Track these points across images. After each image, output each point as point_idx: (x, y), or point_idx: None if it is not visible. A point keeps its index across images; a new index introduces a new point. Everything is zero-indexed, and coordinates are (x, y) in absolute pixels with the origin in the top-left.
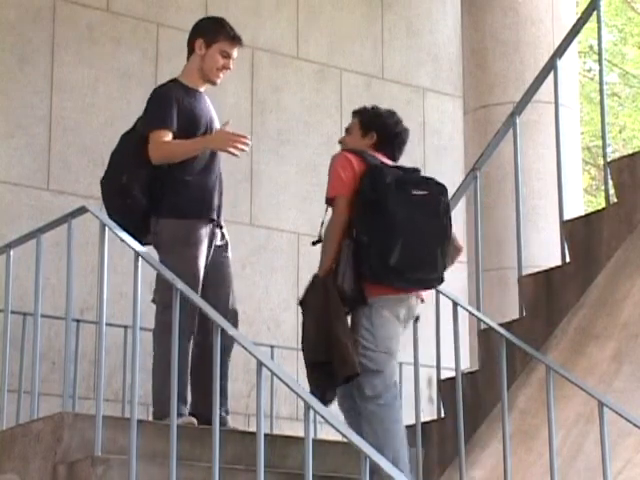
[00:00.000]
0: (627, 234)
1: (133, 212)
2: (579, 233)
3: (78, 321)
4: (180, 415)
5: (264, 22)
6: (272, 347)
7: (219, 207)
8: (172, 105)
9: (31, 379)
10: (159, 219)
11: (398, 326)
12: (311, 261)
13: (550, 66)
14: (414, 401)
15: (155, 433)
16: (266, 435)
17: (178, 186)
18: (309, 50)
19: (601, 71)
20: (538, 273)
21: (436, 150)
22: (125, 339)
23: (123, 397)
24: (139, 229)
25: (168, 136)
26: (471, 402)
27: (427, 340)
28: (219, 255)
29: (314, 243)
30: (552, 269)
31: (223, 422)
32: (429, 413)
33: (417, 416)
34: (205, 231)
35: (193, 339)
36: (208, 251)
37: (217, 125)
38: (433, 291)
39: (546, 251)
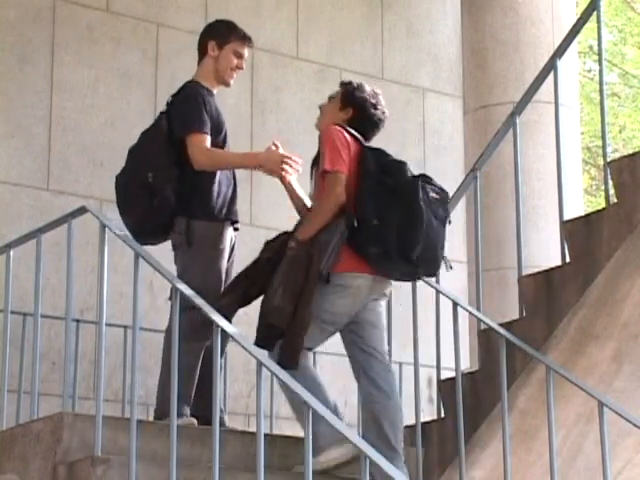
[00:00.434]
0: (627, 234)
1: (161, 211)
2: (579, 233)
3: (78, 321)
4: (181, 415)
5: (264, 22)
6: None
7: (236, 212)
8: (204, 107)
9: (31, 379)
10: (190, 220)
11: (354, 301)
12: None
13: (550, 66)
14: (414, 401)
15: (155, 433)
16: (266, 435)
17: (209, 187)
18: (309, 50)
19: (601, 71)
20: (538, 273)
21: (436, 150)
22: (125, 339)
23: (123, 397)
24: (163, 229)
25: (208, 140)
26: (471, 402)
27: (427, 340)
28: (231, 262)
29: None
30: (552, 269)
31: (221, 422)
32: (429, 413)
33: (417, 416)
34: (230, 235)
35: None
36: (229, 256)
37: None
38: (433, 291)
39: (546, 251)
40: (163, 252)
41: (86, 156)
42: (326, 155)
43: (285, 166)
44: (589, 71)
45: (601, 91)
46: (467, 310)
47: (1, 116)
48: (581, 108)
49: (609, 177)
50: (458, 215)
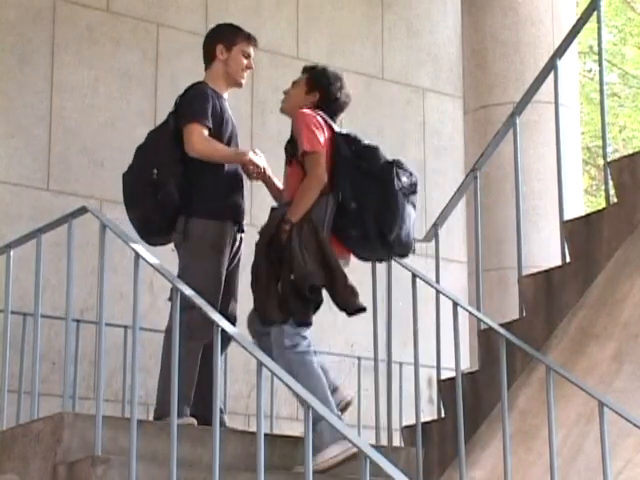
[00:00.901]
0: (627, 234)
1: (165, 207)
2: (579, 233)
3: (78, 321)
4: (181, 415)
5: (264, 22)
6: None
7: (244, 211)
8: (209, 103)
9: (31, 379)
10: (190, 218)
11: None
12: None
13: (550, 66)
14: (414, 401)
15: (155, 433)
16: (266, 435)
17: (211, 186)
18: (309, 50)
19: (601, 71)
20: (538, 273)
21: (436, 150)
22: (125, 339)
23: (123, 397)
24: (168, 227)
25: (206, 131)
26: (471, 402)
27: (427, 340)
28: (235, 262)
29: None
30: (552, 269)
31: (221, 422)
32: (429, 413)
33: (417, 416)
34: (232, 235)
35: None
36: (230, 256)
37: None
38: (433, 291)
39: (546, 251)
40: (163, 252)
41: (86, 156)
42: (303, 137)
43: (251, 169)
44: (589, 71)
45: (601, 91)
46: (467, 310)
47: (1, 116)
48: (581, 108)
49: (609, 177)
50: (458, 215)
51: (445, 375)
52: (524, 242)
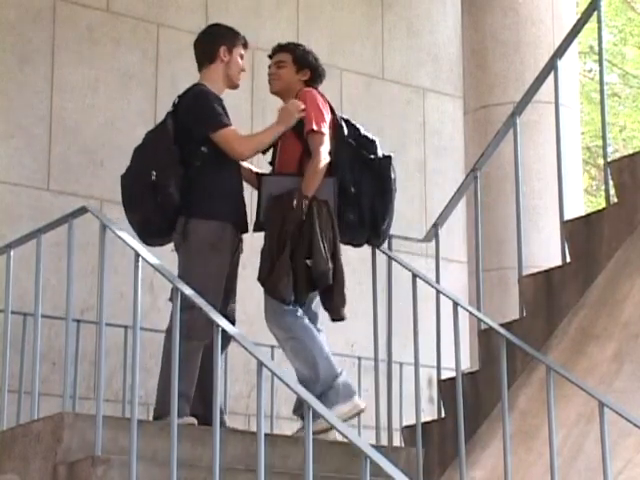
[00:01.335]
0: (627, 234)
1: (165, 209)
2: (579, 233)
3: (78, 321)
4: (181, 415)
5: (264, 22)
6: (272, 347)
7: (245, 211)
8: (221, 105)
9: (31, 379)
10: (190, 219)
11: None
12: None
13: (550, 66)
14: (414, 401)
15: (156, 433)
16: (266, 435)
17: (211, 187)
18: None
19: (601, 71)
20: (538, 273)
21: (436, 150)
22: (125, 339)
23: (123, 397)
24: (168, 228)
25: (236, 130)
26: (471, 402)
27: (427, 340)
28: (235, 263)
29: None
30: (552, 269)
31: (221, 422)
32: (429, 413)
33: (417, 416)
34: (233, 236)
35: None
36: (231, 258)
37: None
38: (434, 291)
39: (546, 251)
40: (163, 252)
41: (86, 156)
42: (312, 115)
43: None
44: (589, 71)
45: (601, 91)
46: (467, 310)
47: (1, 116)
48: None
49: (609, 177)
50: (458, 215)
51: (445, 375)
52: (524, 242)
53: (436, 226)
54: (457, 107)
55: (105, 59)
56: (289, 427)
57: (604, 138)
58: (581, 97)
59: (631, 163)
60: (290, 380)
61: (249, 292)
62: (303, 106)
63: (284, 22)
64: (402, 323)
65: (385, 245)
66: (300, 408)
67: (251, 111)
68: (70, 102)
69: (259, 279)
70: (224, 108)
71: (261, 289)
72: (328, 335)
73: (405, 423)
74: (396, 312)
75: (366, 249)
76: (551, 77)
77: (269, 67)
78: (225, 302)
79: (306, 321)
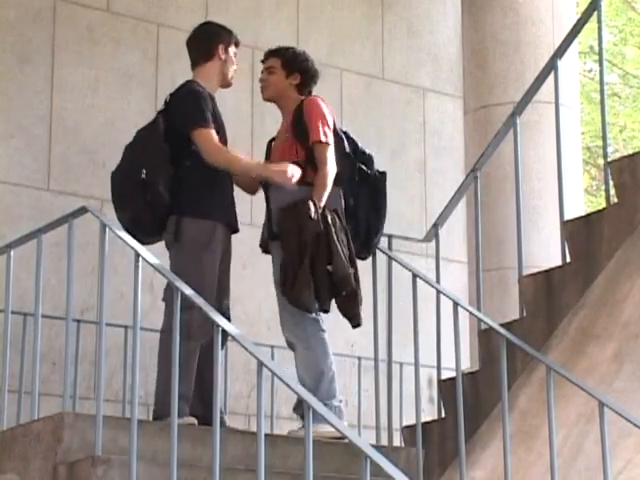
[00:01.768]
0: (627, 234)
1: (155, 208)
2: (579, 233)
3: (78, 321)
4: (181, 415)
5: (264, 22)
6: (272, 347)
7: (235, 210)
8: (208, 105)
9: (31, 379)
10: (181, 218)
11: None
12: None
13: (550, 66)
14: (414, 401)
15: (156, 433)
16: (267, 435)
17: (202, 186)
18: (309, 50)
19: (601, 71)
20: (538, 273)
21: (436, 150)
22: (125, 339)
23: (123, 397)
24: (158, 227)
25: (215, 135)
26: (471, 402)
27: (427, 340)
28: (227, 261)
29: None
30: (552, 269)
31: (221, 422)
32: (429, 413)
33: (417, 416)
34: (223, 235)
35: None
36: (223, 257)
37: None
38: (434, 291)
39: (546, 251)
40: (163, 252)
41: (86, 156)
42: (318, 126)
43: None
44: (589, 71)
45: (601, 91)
46: (467, 310)
47: (1, 116)
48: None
49: (609, 177)
50: (458, 215)
51: (445, 375)
52: (524, 242)
53: (436, 226)
54: (457, 107)
55: (105, 59)
56: (289, 427)
57: (604, 138)
58: (581, 97)
59: (631, 163)
60: (290, 380)
61: (249, 292)
62: (294, 180)
63: (284, 22)
64: (402, 323)
65: (385, 245)
66: (300, 407)
67: (251, 111)
68: (70, 102)
69: (282, 292)
70: (215, 107)
71: (261, 290)
72: (328, 335)
73: (405, 423)
74: (396, 312)
75: None
76: (551, 77)
77: (261, 72)
78: (219, 300)
79: (325, 335)
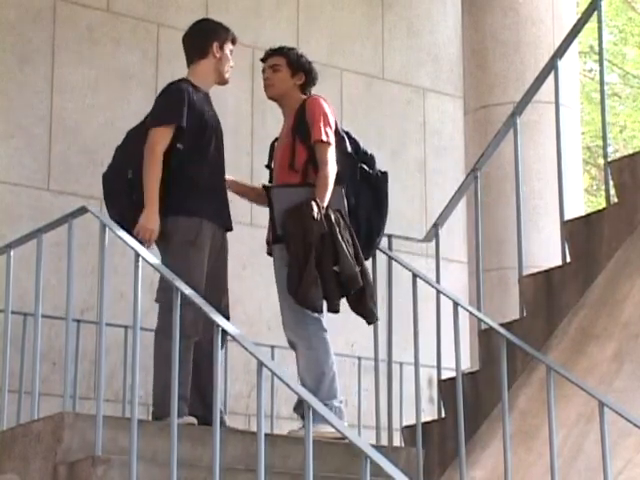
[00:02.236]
0: (627, 234)
1: (139, 208)
2: (579, 233)
3: (78, 321)
4: (180, 415)
5: (264, 22)
6: (272, 347)
7: (227, 208)
8: (184, 102)
9: (31, 379)
10: (167, 216)
11: None
12: None
13: (550, 66)
14: (414, 401)
15: (156, 433)
16: (267, 435)
17: (188, 184)
18: (309, 50)
19: (601, 71)
20: (538, 273)
21: (436, 150)
22: (125, 339)
23: (123, 397)
24: None
25: (170, 133)
26: (471, 402)
27: (427, 340)
28: (222, 259)
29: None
30: (552, 269)
31: (221, 422)
32: (429, 413)
33: (417, 416)
34: (212, 233)
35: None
36: (213, 254)
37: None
38: (434, 291)
39: (546, 251)
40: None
41: (86, 156)
42: (320, 125)
43: (142, 235)
44: (590, 71)
45: (602, 91)
46: (468, 310)
47: (1, 116)
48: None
49: (610, 177)
50: (458, 215)
51: (445, 375)
52: (524, 242)
53: (436, 226)
54: (457, 107)
55: (105, 59)
56: (289, 427)
57: (604, 138)
58: (581, 97)
59: (631, 163)
60: (290, 380)
61: (249, 292)
62: (145, 237)
63: (284, 22)
64: (402, 323)
65: (385, 245)
66: (300, 407)
67: (251, 111)
68: (70, 102)
69: (289, 291)
70: (205, 105)
71: (261, 290)
72: (328, 335)
73: (405, 423)
74: (396, 312)
75: None
76: (551, 77)
77: (263, 71)
78: (217, 300)
79: (326, 335)
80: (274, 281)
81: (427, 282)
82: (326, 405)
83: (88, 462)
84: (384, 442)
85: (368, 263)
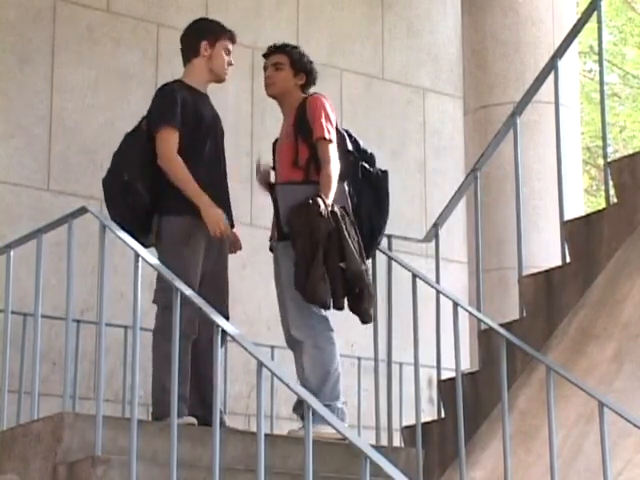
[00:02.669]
0: (627, 234)
1: (135, 210)
2: (579, 233)
3: (78, 321)
4: (180, 415)
5: (264, 22)
6: (272, 347)
7: (228, 206)
8: (177, 103)
9: (31, 379)
10: (161, 216)
11: None
12: None
13: (550, 66)
14: (414, 401)
15: (155, 433)
16: (266, 435)
17: None
18: (309, 50)
19: (601, 71)
20: (538, 273)
21: (436, 150)
22: (125, 339)
23: (123, 397)
24: (141, 229)
25: (175, 135)
26: (471, 402)
27: (427, 340)
28: (221, 258)
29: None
30: (552, 269)
31: (221, 422)
32: (429, 413)
33: (417, 416)
34: (208, 232)
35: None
36: (212, 253)
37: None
38: (434, 291)
39: (546, 251)
40: None
41: (86, 156)
42: (322, 123)
43: (218, 232)
44: (589, 71)
45: (601, 91)
46: (467, 310)
47: (1, 116)
48: (581, 108)
49: (609, 177)
50: (458, 215)
51: (445, 375)
52: (524, 242)
53: (436, 226)
54: (457, 107)
55: (105, 59)
56: (289, 427)
57: (604, 138)
58: (581, 97)
59: (631, 163)
60: (290, 380)
61: (249, 292)
62: (220, 232)
63: (284, 22)
64: (402, 323)
65: (385, 245)
66: (299, 407)
67: (251, 111)
68: (70, 102)
69: (297, 288)
70: (199, 105)
71: (261, 290)
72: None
73: (405, 423)
74: (396, 312)
75: None
76: (551, 77)
77: (264, 69)
78: (218, 300)
79: (333, 334)
80: (274, 281)
81: (427, 282)
82: (329, 406)
83: (88, 462)
84: (384, 442)
85: (368, 263)
